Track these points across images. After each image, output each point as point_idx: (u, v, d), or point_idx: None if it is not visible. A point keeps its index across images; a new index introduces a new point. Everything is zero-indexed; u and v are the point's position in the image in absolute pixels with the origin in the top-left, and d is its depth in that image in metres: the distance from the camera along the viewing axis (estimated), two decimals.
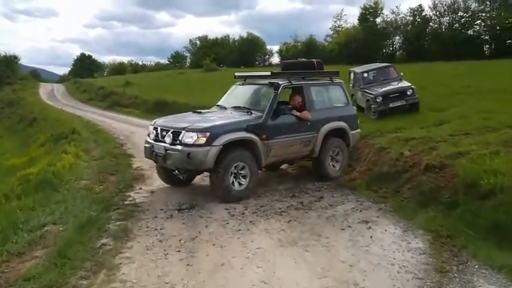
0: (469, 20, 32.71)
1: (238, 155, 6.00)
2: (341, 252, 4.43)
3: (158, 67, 56.66)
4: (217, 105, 7.36)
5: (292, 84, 6.92)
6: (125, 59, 66.56)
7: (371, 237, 4.83)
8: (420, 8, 35.44)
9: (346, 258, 4.28)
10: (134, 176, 8.12)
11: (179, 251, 4.52)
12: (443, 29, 33.65)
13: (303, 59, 8.08)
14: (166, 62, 60.76)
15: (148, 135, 6.73)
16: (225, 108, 6.98)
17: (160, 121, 6.67)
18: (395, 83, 12.20)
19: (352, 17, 74.39)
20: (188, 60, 58.22)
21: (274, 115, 6.39)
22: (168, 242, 4.78)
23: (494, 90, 13.41)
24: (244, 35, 53.28)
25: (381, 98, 11.38)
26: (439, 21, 34.60)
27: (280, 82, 6.72)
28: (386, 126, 9.56)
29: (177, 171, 6.79)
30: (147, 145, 6.62)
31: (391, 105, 11.37)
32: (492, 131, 8.11)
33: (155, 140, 6.41)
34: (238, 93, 7.38)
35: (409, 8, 37.04)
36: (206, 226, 5.27)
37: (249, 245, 4.64)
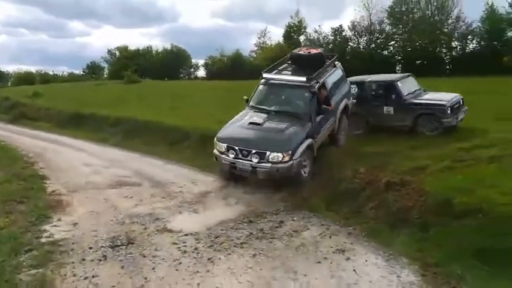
0: (384, 41, 34.92)
1: (305, 155, 7.12)
2: None
3: (72, 78, 51.89)
4: (253, 106, 8.00)
5: (319, 82, 7.78)
6: (33, 69, 59.88)
7: (354, 270, 4.16)
8: (341, 28, 37.05)
9: None
10: (50, 204, 6.67)
11: None
12: (362, 49, 35.48)
13: (310, 52, 8.57)
14: (81, 72, 56.24)
15: (222, 152, 7.23)
16: (268, 112, 7.70)
17: (233, 141, 7.19)
18: (431, 93, 9.92)
19: (274, 35, 76.40)
20: (106, 71, 54.46)
21: (317, 115, 7.55)
22: None
23: None
24: (169, 46, 51.38)
25: (450, 109, 8.94)
26: (358, 41, 36.49)
27: (313, 85, 7.62)
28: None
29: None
30: (225, 162, 7.20)
31: (459, 117, 9.19)
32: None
33: (236, 158, 7.06)
34: (270, 95, 8.14)
35: (331, 27, 38.09)
36: (153, 269, 4.20)
37: None
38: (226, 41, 78.13)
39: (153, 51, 52.00)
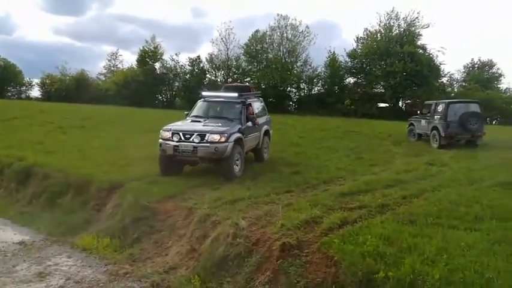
0: (240, 77, 35.51)
1: (237, 147, 8.46)
2: None
3: None
4: (196, 115, 9.47)
5: (248, 101, 9.61)
6: None
7: None
8: (199, 59, 36.46)
9: None
10: None
11: None
12: (219, 82, 35.33)
13: (240, 84, 12.20)
14: None
15: (166, 139, 8.32)
16: (207, 118, 9.19)
17: (177, 127, 8.53)
18: None
19: (126, 60, 72.23)
20: None
21: (246, 121, 9.12)
22: None
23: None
24: None
25: None
26: (215, 74, 36.38)
27: (243, 100, 9.43)
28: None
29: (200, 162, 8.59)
30: (168, 145, 8.26)
31: None
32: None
33: (179, 141, 8.26)
34: (209, 107, 9.76)
35: (189, 57, 36.99)
36: None
37: None
38: (71, 61, 70.41)
39: None
